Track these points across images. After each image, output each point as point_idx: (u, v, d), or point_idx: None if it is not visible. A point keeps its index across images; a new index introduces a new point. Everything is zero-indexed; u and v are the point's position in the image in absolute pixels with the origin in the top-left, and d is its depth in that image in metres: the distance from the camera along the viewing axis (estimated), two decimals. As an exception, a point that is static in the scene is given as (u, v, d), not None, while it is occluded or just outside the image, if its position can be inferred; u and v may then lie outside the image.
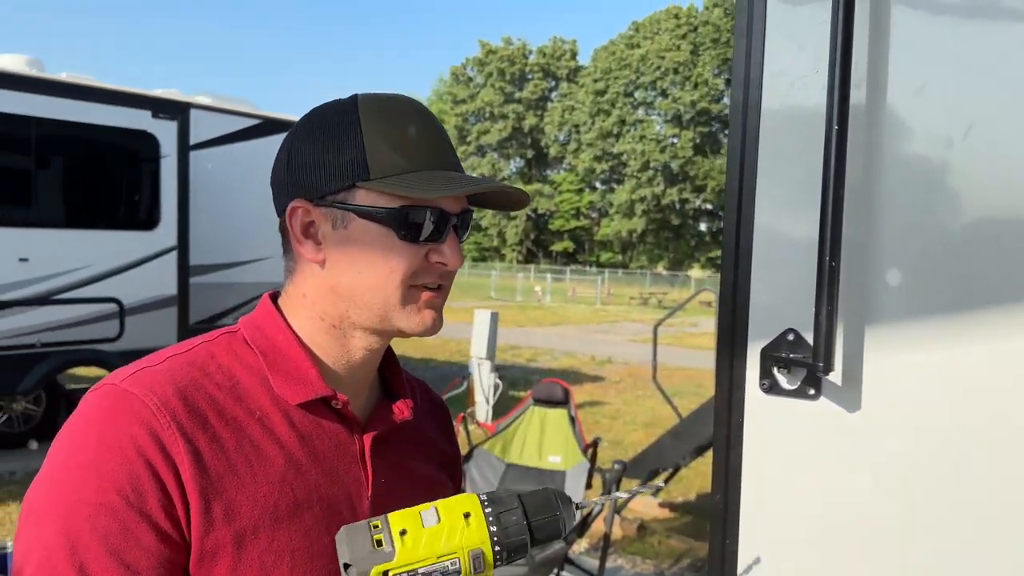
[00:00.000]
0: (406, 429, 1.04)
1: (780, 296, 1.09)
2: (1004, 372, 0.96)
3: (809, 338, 1.03)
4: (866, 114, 1.01)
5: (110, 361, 7.09)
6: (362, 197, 0.92)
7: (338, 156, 0.92)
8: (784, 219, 1.08)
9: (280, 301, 1.01)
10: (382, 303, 0.94)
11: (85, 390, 0.92)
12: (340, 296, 0.95)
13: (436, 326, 0.97)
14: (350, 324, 0.97)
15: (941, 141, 0.97)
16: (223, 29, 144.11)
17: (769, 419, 1.10)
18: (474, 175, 0.98)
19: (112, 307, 7.27)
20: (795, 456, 1.08)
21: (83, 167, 7.77)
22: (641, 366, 14.00)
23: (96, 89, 7.48)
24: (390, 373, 1.08)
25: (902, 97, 0.99)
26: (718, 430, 1.15)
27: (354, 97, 0.96)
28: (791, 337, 1.07)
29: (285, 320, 0.99)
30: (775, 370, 1.09)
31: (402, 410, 1.03)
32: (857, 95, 1.01)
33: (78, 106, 7.21)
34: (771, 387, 1.09)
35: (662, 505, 6.35)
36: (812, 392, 1.06)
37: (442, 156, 0.96)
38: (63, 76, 7.51)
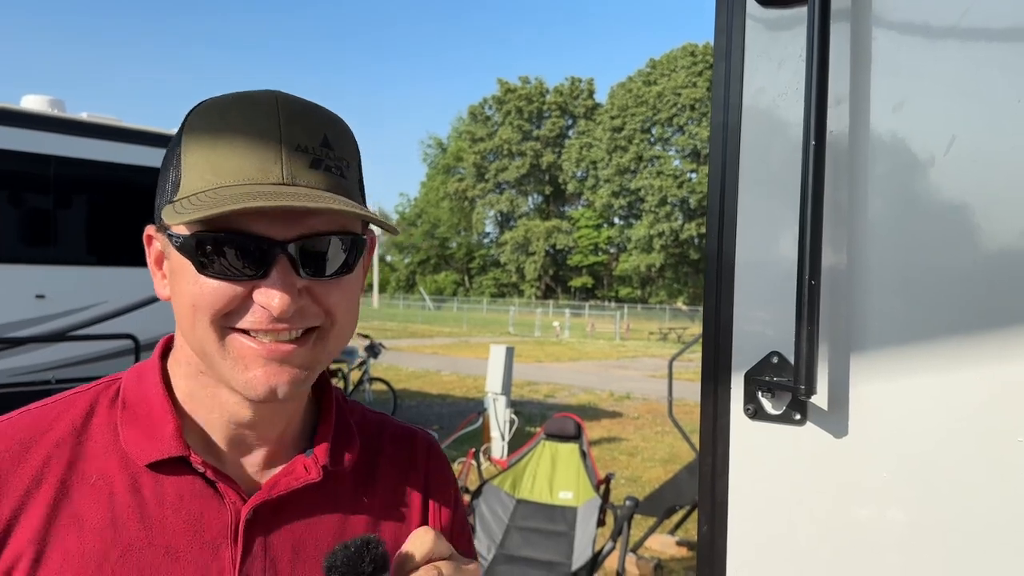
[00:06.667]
0: (332, 486, 0.88)
1: (763, 318, 1.06)
2: (993, 394, 0.92)
3: (793, 360, 1.00)
4: (846, 131, 0.99)
5: (125, 397, 7.13)
6: (172, 221, 0.74)
7: (166, 172, 0.80)
8: (766, 238, 1.05)
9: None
10: (200, 351, 0.79)
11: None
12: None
13: (266, 386, 0.77)
14: (212, 374, 0.82)
15: (923, 157, 0.95)
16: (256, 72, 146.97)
17: (755, 445, 1.06)
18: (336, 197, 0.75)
19: (128, 343, 7.33)
20: (782, 483, 1.04)
21: (101, 204, 7.88)
22: (660, 402, 13.87)
23: (116, 128, 7.62)
24: (322, 422, 0.92)
25: (882, 113, 0.97)
26: (704, 459, 1.12)
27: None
28: (775, 360, 1.04)
29: (162, 367, 0.87)
30: (759, 395, 1.05)
31: (309, 468, 0.86)
32: (836, 112, 0.99)
33: (98, 145, 7.34)
34: (756, 412, 1.06)
35: (680, 544, 6.23)
36: (798, 417, 1.03)
37: (277, 161, 0.73)
38: (83, 116, 7.66)
